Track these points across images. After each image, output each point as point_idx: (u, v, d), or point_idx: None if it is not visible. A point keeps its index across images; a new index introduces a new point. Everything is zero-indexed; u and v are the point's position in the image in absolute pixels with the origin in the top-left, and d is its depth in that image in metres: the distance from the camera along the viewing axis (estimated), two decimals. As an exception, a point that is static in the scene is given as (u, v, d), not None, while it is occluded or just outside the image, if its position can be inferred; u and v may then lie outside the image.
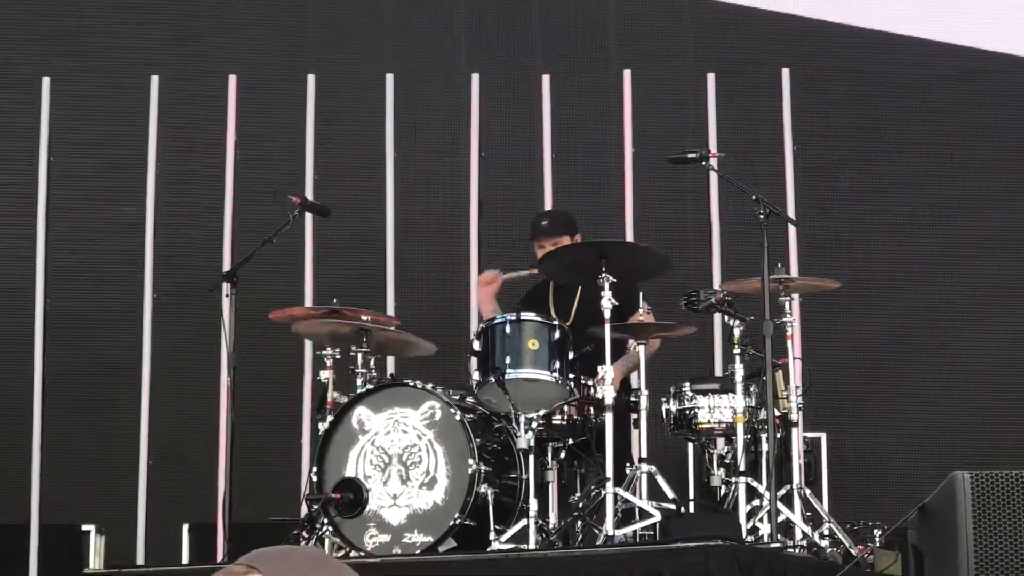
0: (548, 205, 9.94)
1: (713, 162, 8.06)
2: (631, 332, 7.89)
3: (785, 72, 10.16)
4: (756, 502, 7.59)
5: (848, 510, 8.72)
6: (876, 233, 10.03)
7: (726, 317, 7.79)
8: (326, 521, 7.57)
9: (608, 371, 7.55)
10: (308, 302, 9.83)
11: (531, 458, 7.45)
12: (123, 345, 9.99)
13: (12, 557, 9.35)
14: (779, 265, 7.86)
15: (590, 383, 7.73)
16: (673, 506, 7.63)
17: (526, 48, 10.36)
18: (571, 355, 7.69)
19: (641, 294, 8.08)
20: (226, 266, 9.73)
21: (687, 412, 7.89)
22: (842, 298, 9.24)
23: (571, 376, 7.67)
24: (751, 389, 7.78)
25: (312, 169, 10.16)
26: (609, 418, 7.50)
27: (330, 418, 7.73)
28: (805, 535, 7.51)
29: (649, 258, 8.09)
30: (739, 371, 7.68)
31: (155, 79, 10.26)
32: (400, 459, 7.54)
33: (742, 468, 7.61)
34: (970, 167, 10.08)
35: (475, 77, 10.25)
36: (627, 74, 10.20)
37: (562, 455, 7.78)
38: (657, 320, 8.16)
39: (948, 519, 7.24)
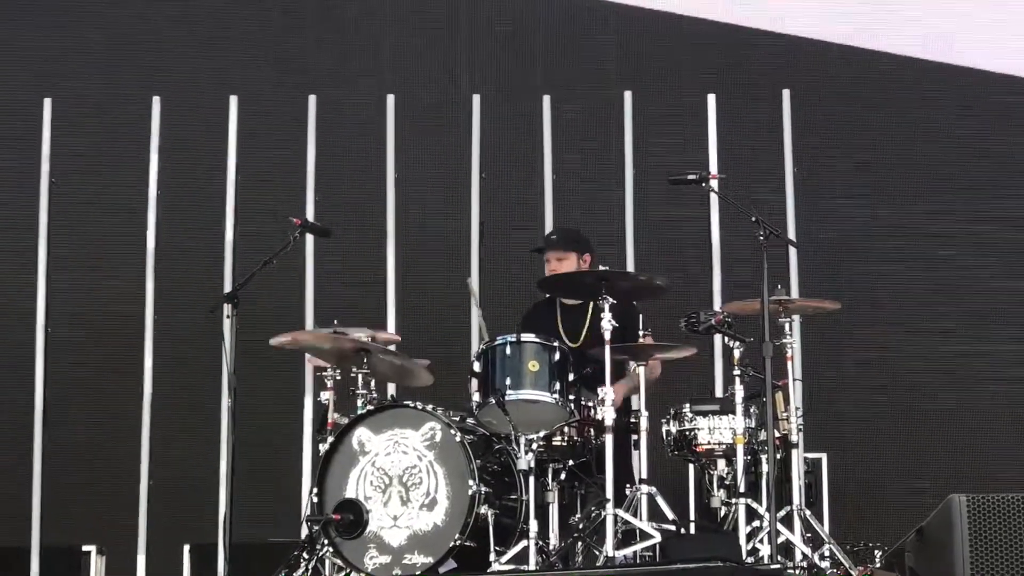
0: (549, 225, 9.94)
1: (714, 183, 8.06)
2: (631, 354, 7.91)
3: (786, 93, 10.17)
4: (756, 523, 7.58)
5: (849, 531, 8.72)
6: (876, 254, 10.04)
7: (726, 338, 7.81)
8: (326, 542, 7.57)
9: (608, 392, 7.56)
10: (309, 324, 9.83)
11: (531, 479, 7.46)
12: (124, 366, 9.99)
13: (13, 578, 9.37)
14: (779, 286, 7.86)
15: (590, 404, 7.74)
16: (673, 527, 7.63)
17: (527, 69, 10.37)
18: (571, 376, 7.70)
19: (641, 317, 8.09)
20: (227, 287, 9.74)
21: (687, 433, 7.90)
22: (842, 319, 9.24)
23: (571, 397, 7.68)
24: (751, 410, 7.79)
25: (313, 190, 10.17)
26: (609, 439, 7.50)
27: (331, 439, 7.73)
28: (805, 556, 7.50)
29: (646, 283, 8.11)
30: (739, 392, 7.69)
31: (156, 100, 10.28)
32: (400, 480, 7.54)
33: (742, 489, 7.61)
34: (972, 188, 10.09)
35: (476, 98, 10.26)
36: (628, 95, 10.21)
37: (562, 476, 7.78)
38: (657, 343, 8.17)
39: (944, 542, 7.25)
